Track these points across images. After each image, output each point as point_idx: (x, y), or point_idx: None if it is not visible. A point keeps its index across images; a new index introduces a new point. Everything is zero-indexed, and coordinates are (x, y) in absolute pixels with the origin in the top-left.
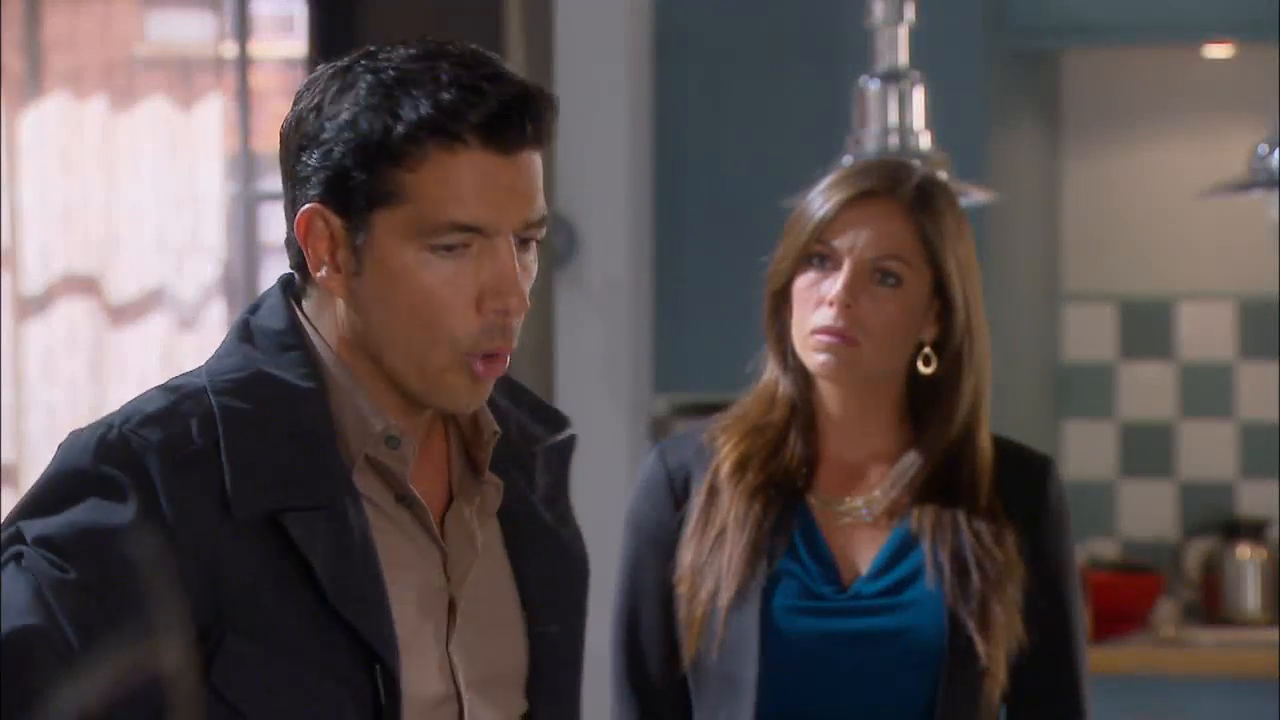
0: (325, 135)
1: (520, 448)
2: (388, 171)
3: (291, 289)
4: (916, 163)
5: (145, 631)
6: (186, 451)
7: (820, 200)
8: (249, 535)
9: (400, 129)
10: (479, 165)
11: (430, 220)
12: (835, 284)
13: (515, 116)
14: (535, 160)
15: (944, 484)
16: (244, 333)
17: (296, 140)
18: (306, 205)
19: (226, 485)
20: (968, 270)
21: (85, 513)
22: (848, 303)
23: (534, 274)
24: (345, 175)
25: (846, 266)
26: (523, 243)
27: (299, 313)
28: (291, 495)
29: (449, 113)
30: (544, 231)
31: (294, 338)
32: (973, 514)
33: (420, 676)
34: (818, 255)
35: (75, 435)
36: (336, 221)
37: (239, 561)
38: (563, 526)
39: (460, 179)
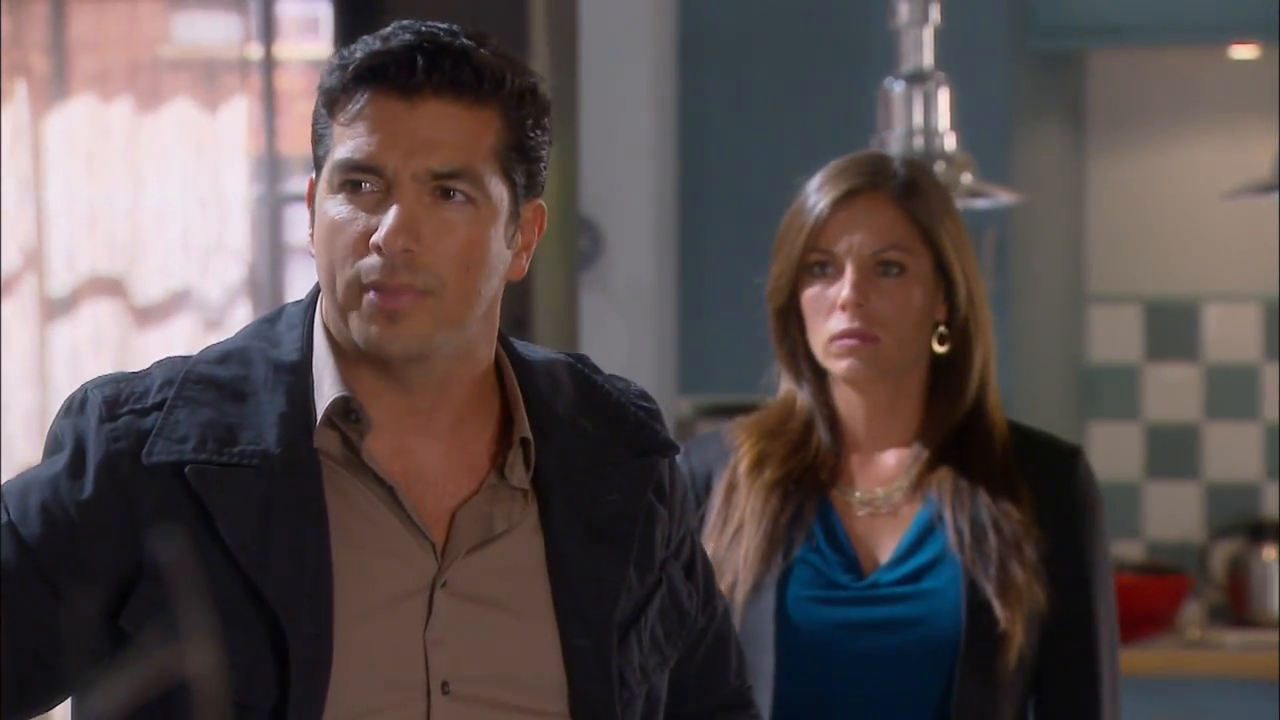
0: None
1: (594, 463)
2: (328, 124)
3: None
4: (892, 151)
5: (52, 571)
6: (129, 406)
7: (808, 208)
8: (167, 485)
9: (328, 78)
10: (377, 107)
11: (336, 162)
12: (842, 287)
13: (414, 60)
14: (449, 112)
15: (958, 452)
16: (273, 314)
17: None
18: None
19: (150, 435)
20: (961, 245)
21: (38, 466)
22: (859, 302)
23: (466, 235)
24: (313, 136)
25: (849, 267)
26: (443, 194)
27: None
28: (206, 450)
29: (355, 58)
30: (468, 190)
31: (304, 316)
32: (987, 478)
33: (364, 656)
34: (818, 264)
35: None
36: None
37: (158, 510)
38: (610, 544)
39: (360, 120)
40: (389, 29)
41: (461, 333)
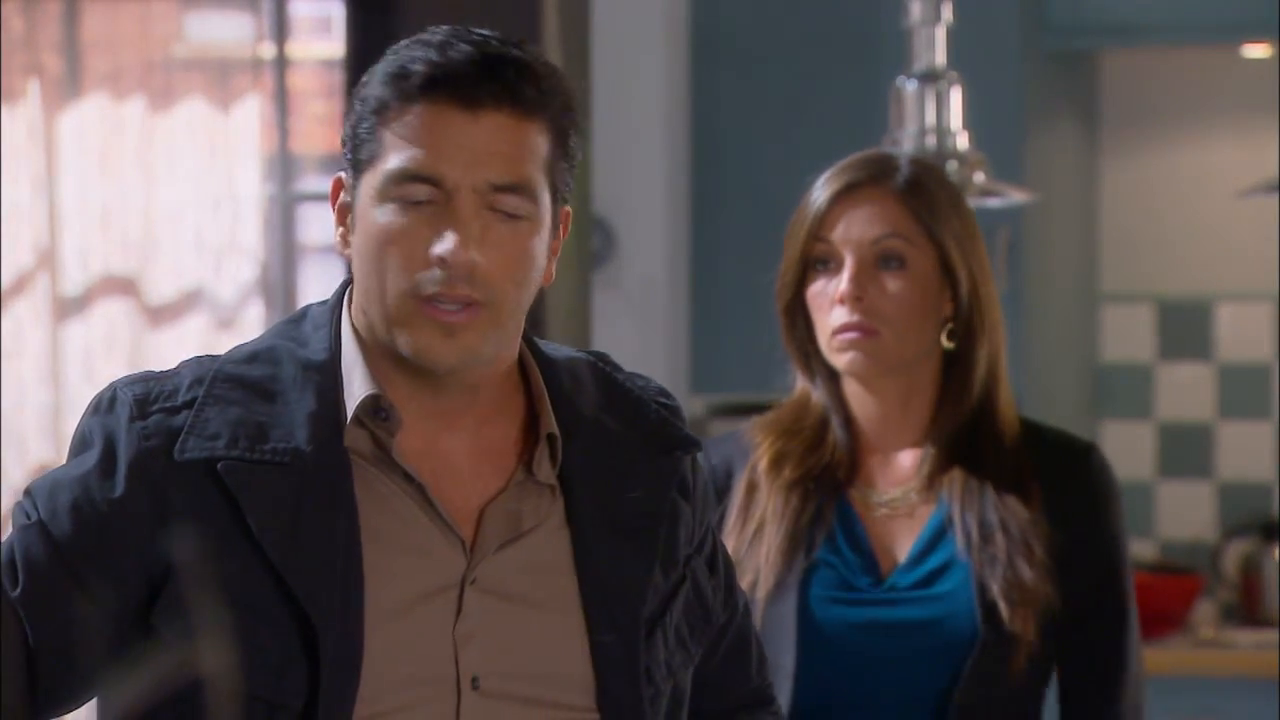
0: (351, 107)
1: (618, 460)
2: (374, 131)
3: None
4: (904, 150)
5: (82, 569)
6: (159, 404)
7: (810, 203)
8: (199, 482)
9: (382, 87)
10: (438, 118)
11: (391, 171)
12: (842, 281)
13: (477, 73)
14: (509, 124)
15: (970, 451)
16: (297, 314)
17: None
18: (335, 175)
19: (181, 433)
20: (968, 242)
21: (66, 465)
22: (857, 295)
23: (519, 248)
24: (353, 140)
25: (849, 260)
26: (496, 211)
27: (347, 292)
28: (238, 448)
29: (415, 68)
30: (523, 204)
31: (331, 316)
32: (997, 477)
33: (394, 653)
34: (820, 258)
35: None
36: (349, 187)
37: (189, 508)
38: (635, 540)
39: (419, 131)
40: (439, 37)
41: (502, 340)
